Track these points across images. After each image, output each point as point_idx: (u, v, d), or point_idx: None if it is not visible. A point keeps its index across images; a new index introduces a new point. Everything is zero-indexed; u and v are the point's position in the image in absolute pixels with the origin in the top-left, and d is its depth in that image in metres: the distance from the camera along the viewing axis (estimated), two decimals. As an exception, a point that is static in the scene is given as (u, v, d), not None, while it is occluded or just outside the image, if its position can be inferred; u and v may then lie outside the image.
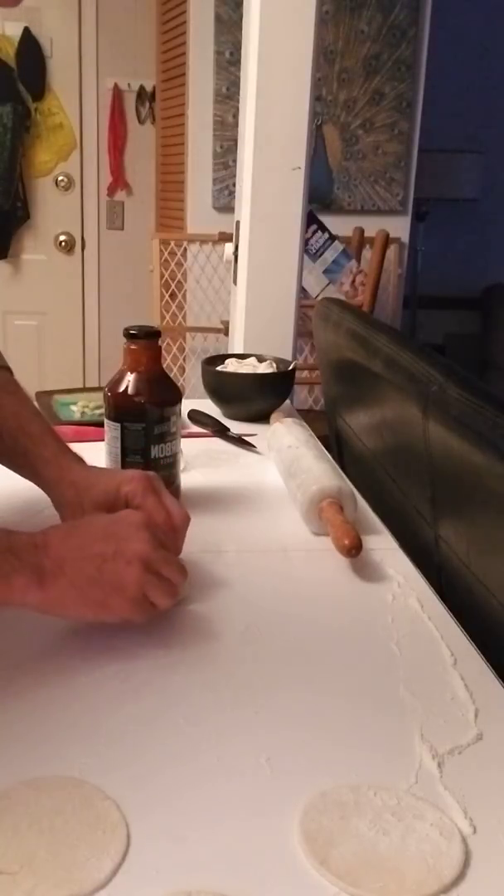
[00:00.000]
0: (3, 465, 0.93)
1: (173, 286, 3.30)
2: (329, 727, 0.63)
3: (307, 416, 1.43)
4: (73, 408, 1.40)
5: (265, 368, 1.44)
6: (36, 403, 1.01)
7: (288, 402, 1.49)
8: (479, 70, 3.88)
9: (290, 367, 1.46)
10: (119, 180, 3.69)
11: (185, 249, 3.26)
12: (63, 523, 0.75)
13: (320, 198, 3.24)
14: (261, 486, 1.14)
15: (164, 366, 1.03)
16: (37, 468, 0.89)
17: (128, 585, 0.69)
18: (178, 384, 1.40)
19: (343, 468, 1.23)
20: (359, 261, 3.11)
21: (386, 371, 1.13)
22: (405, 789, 0.56)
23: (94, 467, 0.91)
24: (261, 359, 1.47)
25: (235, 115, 2.33)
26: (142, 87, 3.61)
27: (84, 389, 1.55)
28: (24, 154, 3.59)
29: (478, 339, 4.05)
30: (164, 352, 1.14)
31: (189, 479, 1.12)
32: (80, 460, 0.90)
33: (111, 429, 1.00)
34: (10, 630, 0.73)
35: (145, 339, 0.99)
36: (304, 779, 0.57)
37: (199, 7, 3.07)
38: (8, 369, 0.98)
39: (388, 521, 1.03)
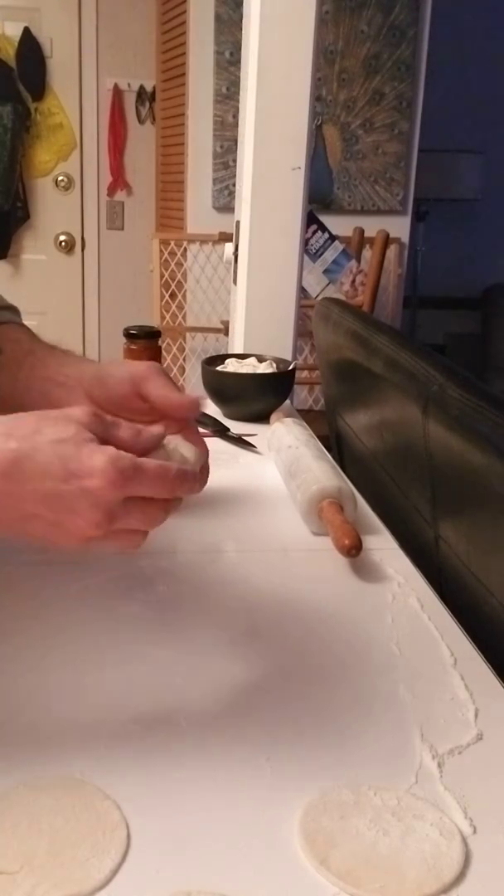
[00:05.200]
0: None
1: (173, 286, 3.30)
2: (329, 727, 0.63)
3: (307, 416, 1.43)
4: (73, 408, 1.40)
5: (265, 368, 1.44)
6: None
7: (288, 402, 1.49)
8: (479, 70, 3.88)
9: (290, 367, 1.46)
10: (119, 180, 3.69)
11: (185, 249, 3.26)
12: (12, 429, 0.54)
13: (320, 198, 3.24)
14: (261, 486, 1.13)
15: (164, 366, 1.03)
16: (44, 354, 0.76)
17: (77, 533, 0.54)
18: (178, 384, 1.40)
19: (343, 468, 1.23)
20: (359, 261, 3.11)
21: (386, 371, 1.13)
22: (405, 789, 0.56)
23: None
24: (261, 359, 1.47)
25: (235, 115, 2.33)
26: (142, 87, 3.61)
27: (84, 389, 1.54)
28: (24, 154, 3.59)
29: (478, 339, 4.05)
30: (164, 352, 1.14)
31: (189, 479, 1.12)
32: None
33: (111, 429, 1.00)
34: (9, 630, 0.72)
35: (145, 339, 0.99)
36: (304, 779, 0.57)
37: (199, 7, 3.08)
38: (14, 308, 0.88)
39: (388, 521, 1.03)
